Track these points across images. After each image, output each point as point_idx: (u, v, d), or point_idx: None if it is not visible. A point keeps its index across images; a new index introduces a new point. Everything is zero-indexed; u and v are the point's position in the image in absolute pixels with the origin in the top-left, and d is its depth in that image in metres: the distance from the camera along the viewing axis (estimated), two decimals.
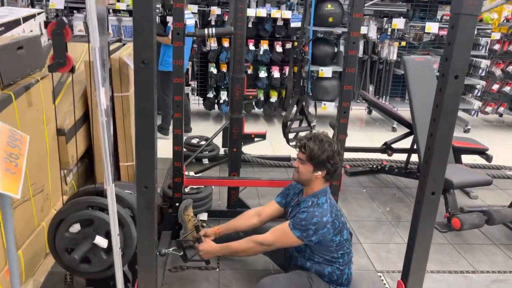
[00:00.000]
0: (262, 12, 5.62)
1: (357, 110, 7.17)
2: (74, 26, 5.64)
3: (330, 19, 5.73)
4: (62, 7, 5.46)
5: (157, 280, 2.47)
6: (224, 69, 5.93)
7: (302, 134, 2.34)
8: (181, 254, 2.41)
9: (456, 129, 1.78)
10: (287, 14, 5.68)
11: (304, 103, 2.91)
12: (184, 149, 4.45)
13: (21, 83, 2.32)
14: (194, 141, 4.54)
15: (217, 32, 2.65)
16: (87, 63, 3.18)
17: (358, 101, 6.38)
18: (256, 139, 3.22)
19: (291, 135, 3.11)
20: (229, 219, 2.78)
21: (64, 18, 1.64)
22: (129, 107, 3.49)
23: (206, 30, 2.69)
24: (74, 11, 5.75)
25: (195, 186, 3.32)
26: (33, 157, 2.39)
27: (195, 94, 6.52)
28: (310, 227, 2.17)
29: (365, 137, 5.85)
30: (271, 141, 5.33)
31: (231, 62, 3.10)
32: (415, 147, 3.85)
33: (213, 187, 3.67)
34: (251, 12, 5.68)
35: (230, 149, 3.23)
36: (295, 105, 2.89)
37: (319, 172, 2.25)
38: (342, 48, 6.26)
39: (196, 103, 6.61)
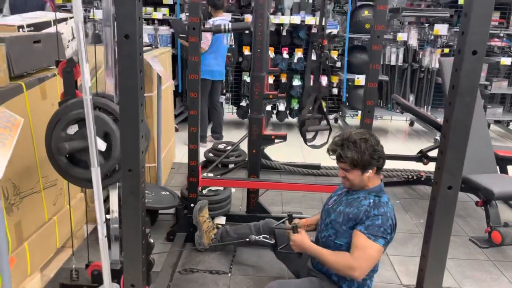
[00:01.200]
0: (296, 19, 5.53)
1: (398, 121, 6.88)
2: None
3: (367, 26, 5.53)
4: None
5: (165, 280, 2.40)
6: None
7: (329, 138, 2.15)
8: (272, 242, 2.30)
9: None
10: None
11: (321, 100, 2.75)
12: (211, 154, 4.44)
13: (35, 76, 2.34)
14: (221, 146, 4.47)
15: (233, 27, 2.57)
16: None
17: (397, 111, 6.09)
18: (276, 140, 3.08)
19: (309, 135, 2.95)
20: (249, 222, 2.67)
21: (74, 57, 1.62)
22: (152, 108, 3.48)
23: (222, 25, 2.62)
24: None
25: (213, 188, 3.23)
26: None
27: (230, 103, 6.50)
28: (388, 231, 1.99)
29: (405, 148, 5.55)
30: (302, 149, 5.18)
31: (252, 60, 3.01)
32: None
33: (233, 190, 3.56)
34: (285, 19, 5.62)
35: (249, 150, 3.12)
36: (313, 103, 2.73)
37: (369, 171, 2.06)
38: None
39: (230, 112, 6.59)
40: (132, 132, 1.45)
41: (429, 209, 1.59)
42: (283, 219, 2.31)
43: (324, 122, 2.91)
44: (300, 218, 2.48)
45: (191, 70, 2.68)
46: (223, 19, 4.86)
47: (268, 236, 2.36)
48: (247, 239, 2.39)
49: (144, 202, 1.56)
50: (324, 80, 6.08)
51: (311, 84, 2.79)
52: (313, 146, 2.77)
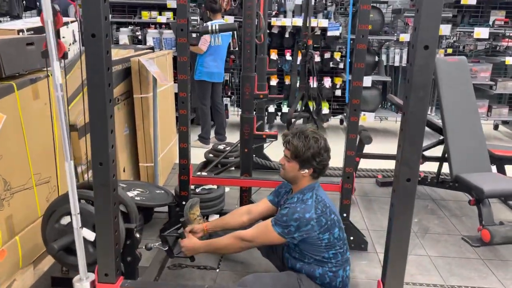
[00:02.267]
0: (298, 21, 5.58)
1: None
2: (120, 39, 5.96)
3: (370, 27, 5.53)
4: None
5: (152, 274, 2.46)
6: None
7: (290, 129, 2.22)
8: (165, 249, 2.37)
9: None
10: (324, 22, 5.60)
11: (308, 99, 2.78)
12: (211, 155, 4.51)
13: (28, 76, 2.44)
14: (221, 147, 4.54)
15: (220, 28, 2.64)
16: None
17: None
18: (268, 139, 3.13)
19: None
20: None
21: (56, 6, 1.69)
22: (148, 109, 3.56)
23: (210, 25, 2.69)
24: (120, 28, 6.08)
25: (207, 187, 3.29)
26: (37, 147, 2.49)
27: (235, 105, 6.57)
28: (291, 223, 2.03)
29: None
30: None
31: (242, 60, 3.07)
32: (446, 156, 3.55)
33: (227, 189, 3.62)
34: (287, 21, 5.67)
35: (241, 149, 3.18)
36: (300, 101, 2.77)
37: (306, 170, 2.13)
38: (383, 57, 6.04)
39: (235, 115, 6.66)
40: (101, 128, 1.52)
41: (391, 201, 1.62)
42: (176, 226, 2.41)
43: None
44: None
45: (180, 70, 2.75)
46: (221, 22, 4.94)
47: (162, 244, 2.40)
48: (144, 246, 2.43)
49: (116, 194, 1.63)
50: (327, 82, 6.13)
51: (298, 84, 2.83)
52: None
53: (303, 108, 2.75)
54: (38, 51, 2.57)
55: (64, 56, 2.01)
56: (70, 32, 3.85)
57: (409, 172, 1.49)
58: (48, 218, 2.20)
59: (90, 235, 2.03)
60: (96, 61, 1.46)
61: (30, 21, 3.65)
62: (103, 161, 1.55)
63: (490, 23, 5.72)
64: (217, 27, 2.67)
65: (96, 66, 1.46)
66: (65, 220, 2.18)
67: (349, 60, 5.79)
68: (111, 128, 1.54)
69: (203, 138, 5.38)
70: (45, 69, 2.63)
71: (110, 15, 5.97)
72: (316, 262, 2.12)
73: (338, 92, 6.19)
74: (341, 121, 6.70)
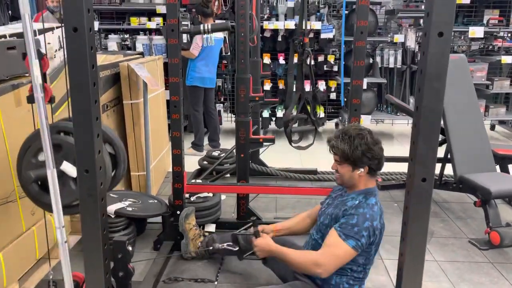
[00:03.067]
0: (290, 24, 5.49)
1: (400, 125, 6.75)
2: (109, 47, 5.82)
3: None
4: (96, 29, 5.65)
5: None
6: None
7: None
8: (236, 249, 2.21)
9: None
10: (317, 25, 5.51)
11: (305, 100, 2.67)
12: (205, 162, 4.36)
13: (9, 82, 2.30)
14: (215, 153, 4.40)
15: (212, 28, 2.52)
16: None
17: (398, 114, 5.97)
18: (264, 143, 3.00)
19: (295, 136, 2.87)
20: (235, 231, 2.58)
21: (40, 50, 1.55)
22: (139, 115, 3.43)
23: (201, 26, 2.57)
24: (109, 35, 5.95)
25: (202, 195, 3.15)
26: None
27: (228, 111, 6.44)
28: (363, 233, 1.87)
29: (406, 152, 5.43)
30: (300, 155, 5.09)
31: (235, 63, 2.95)
32: (449, 156, 3.44)
33: (223, 197, 3.48)
34: (280, 25, 5.58)
35: (237, 155, 3.04)
36: (297, 103, 2.66)
37: (361, 170, 1.98)
38: (378, 59, 5.96)
39: (228, 121, 6.53)
40: (86, 131, 1.38)
41: (405, 203, 1.49)
42: (247, 225, 2.24)
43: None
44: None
45: (171, 72, 2.63)
46: None
47: (232, 244, 2.26)
48: (211, 247, 2.31)
49: (104, 204, 1.49)
50: (321, 85, 6.03)
51: (294, 84, 2.71)
52: (299, 147, 2.69)
53: (300, 109, 2.62)
54: (20, 56, 2.43)
55: (51, 100, 1.82)
56: (56, 38, 3.71)
57: (424, 171, 1.37)
58: (24, 153, 1.96)
59: (72, 170, 1.81)
60: (79, 57, 1.32)
61: (13, 27, 3.50)
62: (89, 168, 1.41)
63: (485, 22, 5.67)
64: (209, 27, 2.55)
65: (79, 63, 1.33)
66: (42, 156, 1.79)
67: (343, 63, 5.70)
68: (97, 132, 1.41)
69: (197, 145, 5.24)
70: (27, 74, 2.49)
71: (98, 22, 5.86)
72: (338, 271, 1.98)
73: (333, 96, 6.09)
74: (336, 125, 6.59)
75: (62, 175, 1.80)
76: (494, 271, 2.73)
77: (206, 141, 5.40)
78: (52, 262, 2.59)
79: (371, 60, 5.86)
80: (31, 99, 1.83)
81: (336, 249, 1.89)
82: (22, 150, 1.97)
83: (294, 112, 2.78)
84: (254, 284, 2.54)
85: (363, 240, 1.88)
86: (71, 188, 1.84)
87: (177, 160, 2.77)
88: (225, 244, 2.31)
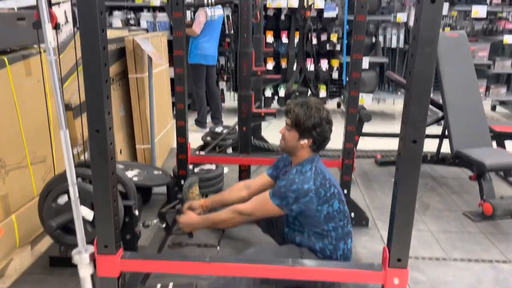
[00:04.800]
0: (293, 3, 5.50)
1: (402, 104, 6.80)
2: (113, 23, 5.86)
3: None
4: None
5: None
6: None
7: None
8: (164, 226, 2.33)
9: None
10: (320, 4, 5.53)
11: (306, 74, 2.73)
12: (208, 138, 4.45)
13: (19, 52, 2.38)
14: (218, 129, 4.48)
15: (216, 0, 2.57)
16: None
17: (400, 93, 6.02)
18: (267, 117, 3.09)
19: None
20: None
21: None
22: (144, 89, 3.50)
23: None
24: (113, 12, 5.97)
25: (205, 167, 3.25)
26: (31, 125, 2.43)
27: (231, 90, 6.50)
28: (289, 194, 1.99)
29: None
30: None
31: (238, 35, 3.01)
32: (446, 132, 3.52)
33: (226, 170, 3.58)
34: (283, 3, 5.59)
35: (239, 128, 3.13)
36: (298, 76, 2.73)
37: (305, 141, 2.08)
38: (380, 38, 5.98)
39: (231, 100, 6.59)
40: (97, 92, 1.46)
41: (396, 165, 1.58)
42: (174, 203, 2.36)
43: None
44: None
45: (176, 46, 2.69)
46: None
47: (160, 221, 2.40)
48: (142, 224, 2.41)
49: (113, 163, 1.58)
50: (324, 64, 6.07)
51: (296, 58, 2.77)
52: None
53: (301, 83, 2.69)
54: (30, 27, 2.49)
55: (56, 26, 1.95)
56: (62, 12, 3.76)
57: (415, 132, 1.45)
58: (45, 198, 2.16)
59: (89, 214, 1.99)
60: (89, 21, 1.40)
61: (22, 1, 3.56)
62: (99, 128, 1.50)
63: (488, 1, 5.67)
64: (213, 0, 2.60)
65: (90, 27, 1.40)
66: (62, 200, 2.15)
67: (346, 42, 5.73)
68: (107, 94, 1.49)
69: (200, 122, 5.33)
70: (37, 45, 2.56)
71: None
72: (315, 236, 2.08)
73: (335, 75, 6.14)
74: (338, 105, 6.66)
75: None
76: (485, 240, 2.83)
77: (209, 119, 5.48)
78: None
79: (373, 40, 5.88)
80: (37, 25, 1.92)
81: (260, 200, 2.08)
82: (42, 195, 2.17)
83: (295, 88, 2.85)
84: None
85: (289, 200, 1.99)
86: (87, 231, 1.97)
87: (181, 131, 2.86)
88: (154, 221, 2.43)
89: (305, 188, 1.98)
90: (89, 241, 2.02)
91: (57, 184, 2.14)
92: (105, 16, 1.47)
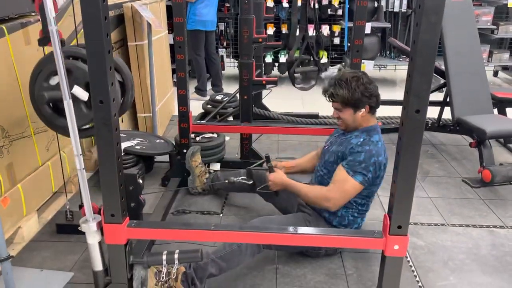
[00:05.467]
0: None
1: (403, 70, 6.75)
2: None
3: None
4: None
5: (156, 220, 2.47)
6: None
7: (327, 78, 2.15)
8: (250, 183, 2.36)
9: None
10: None
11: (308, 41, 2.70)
12: (209, 106, 4.44)
13: (18, 20, 2.34)
14: (219, 97, 4.46)
15: None
16: None
17: (401, 59, 5.96)
18: (267, 85, 3.07)
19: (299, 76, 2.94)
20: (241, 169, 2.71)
21: None
22: (144, 57, 3.47)
23: None
24: None
25: (207, 135, 3.26)
26: None
27: (231, 57, 6.43)
28: (370, 168, 1.99)
29: None
30: (302, 101, 5.17)
31: (239, 2, 2.96)
32: (448, 99, 3.51)
33: (227, 138, 3.60)
34: None
35: (241, 96, 3.12)
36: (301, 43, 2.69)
37: (362, 110, 2.07)
38: (383, 2, 5.86)
39: (231, 66, 6.53)
40: (100, 63, 1.46)
41: (399, 134, 1.59)
42: (260, 161, 2.36)
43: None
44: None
45: (176, 12, 2.65)
46: None
47: (246, 178, 2.41)
48: (226, 181, 2.45)
49: (117, 134, 1.59)
50: (325, 30, 5.98)
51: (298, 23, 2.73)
52: (302, 88, 2.76)
53: (304, 51, 2.66)
54: None
55: (62, 43, 1.82)
56: None
57: (418, 102, 1.45)
58: (36, 78, 1.98)
59: (83, 94, 1.89)
60: None
61: None
62: (103, 99, 1.50)
63: None
64: None
65: None
66: (54, 81, 1.97)
67: (348, 6, 5.63)
68: (109, 65, 1.48)
69: (200, 90, 5.30)
70: (34, 13, 2.51)
71: None
72: (345, 204, 2.11)
73: (336, 41, 6.05)
74: (339, 70, 6.59)
75: (73, 99, 1.81)
76: (483, 206, 2.88)
77: (209, 86, 5.45)
78: (68, 196, 2.76)
79: (376, 4, 5.77)
80: (43, 42, 1.89)
81: (344, 184, 2.02)
82: (34, 74, 2.00)
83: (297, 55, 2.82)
84: (256, 216, 2.70)
85: (369, 175, 2.00)
86: (82, 112, 1.91)
87: (183, 100, 2.86)
88: (239, 178, 2.44)
89: (379, 160, 2.02)
90: (85, 123, 1.96)
91: (48, 64, 1.94)
92: None
